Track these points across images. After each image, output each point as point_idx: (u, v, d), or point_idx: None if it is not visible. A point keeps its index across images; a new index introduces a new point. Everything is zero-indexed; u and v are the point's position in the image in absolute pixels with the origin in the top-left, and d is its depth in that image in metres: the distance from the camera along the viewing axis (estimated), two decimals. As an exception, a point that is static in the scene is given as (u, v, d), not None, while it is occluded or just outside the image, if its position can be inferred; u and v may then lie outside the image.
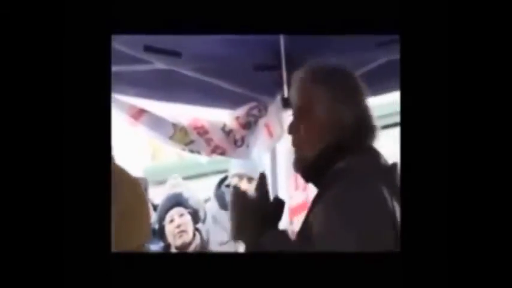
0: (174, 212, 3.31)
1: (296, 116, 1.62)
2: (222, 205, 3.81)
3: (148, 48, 2.82)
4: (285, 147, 3.03)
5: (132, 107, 3.02)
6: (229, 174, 3.85)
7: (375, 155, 1.57)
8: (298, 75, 1.63)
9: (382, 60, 2.88)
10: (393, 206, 1.43)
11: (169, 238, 3.29)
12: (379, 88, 2.89)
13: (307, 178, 1.62)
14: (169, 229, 3.29)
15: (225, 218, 3.33)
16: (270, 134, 3.05)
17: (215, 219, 3.63)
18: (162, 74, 3.00)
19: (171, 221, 3.29)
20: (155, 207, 3.92)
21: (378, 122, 1.60)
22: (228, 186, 3.90)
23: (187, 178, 5.10)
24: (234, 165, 3.82)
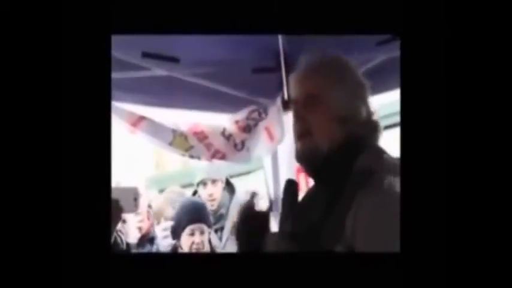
0: (196, 228, 3.25)
1: (304, 103, 1.55)
2: None
3: (146, 55, 2.81)
4: (286, 149, 3.01)
5: (131, 114, 3.00)
6: (194, 184, 3.87)
7: (383, 151, 1.54)
8: (307, 62, 1.60)
9: (381, 58, 2.86)
10: None
11: (183, 245, 3.25)
12: (381, 87, 2.90)
13: (314, 170, 1.56)
14: (186, 239, 3.24)
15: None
16: (271, 137, 3.03)
17: None
18: (160, 80, 2.99)
19: (191, 234, 3.24)
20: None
21: (381, 121, 1.58)
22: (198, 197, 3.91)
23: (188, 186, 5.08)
24: (195, 174, 3.85)
